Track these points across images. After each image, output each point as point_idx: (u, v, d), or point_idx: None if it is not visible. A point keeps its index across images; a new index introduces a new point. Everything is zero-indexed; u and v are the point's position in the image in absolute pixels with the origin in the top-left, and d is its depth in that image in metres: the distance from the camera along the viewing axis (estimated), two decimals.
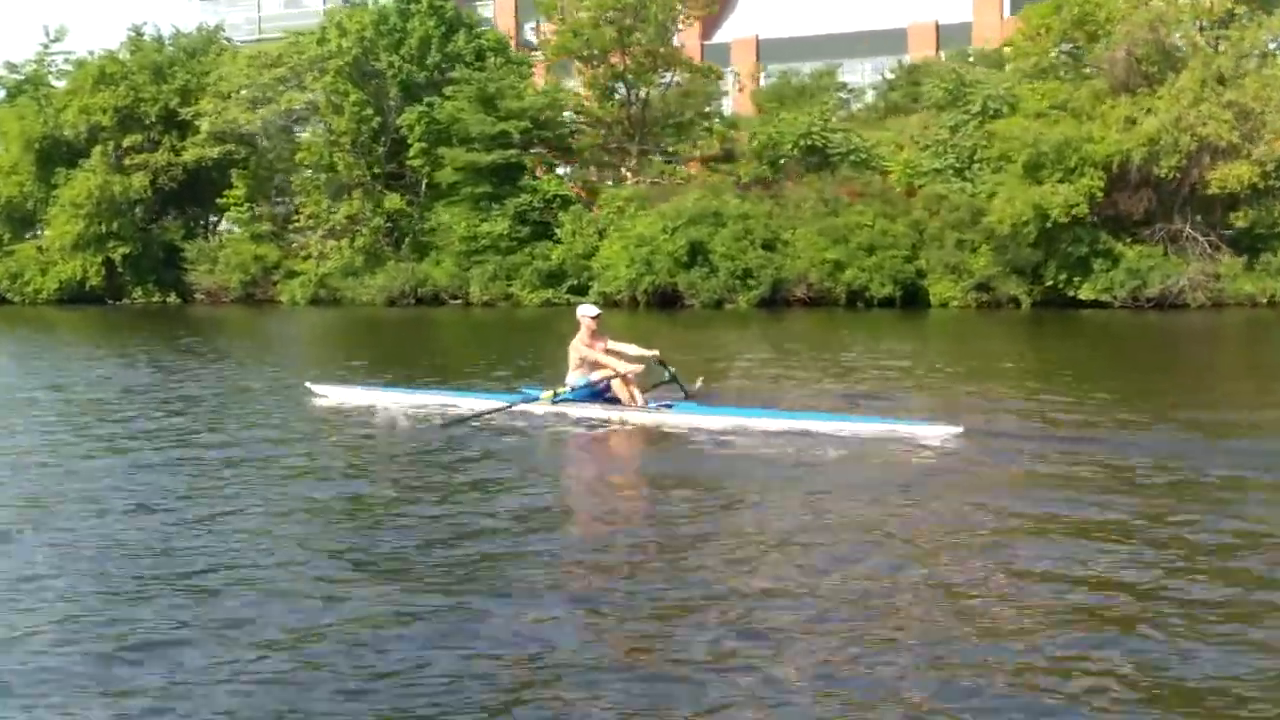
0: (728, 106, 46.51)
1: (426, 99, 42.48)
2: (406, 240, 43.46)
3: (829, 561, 7.04)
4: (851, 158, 37.61)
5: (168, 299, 47.85)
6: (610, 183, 43.17)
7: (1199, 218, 33.64)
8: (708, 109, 43.73)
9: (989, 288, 34.22)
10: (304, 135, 46.97)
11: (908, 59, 45.63)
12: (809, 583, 6.61)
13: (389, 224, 43.81)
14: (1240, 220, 33.01)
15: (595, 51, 42.13)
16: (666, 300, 36.99)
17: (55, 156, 48.72)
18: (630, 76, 42.45)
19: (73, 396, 15.97)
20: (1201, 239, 33.28)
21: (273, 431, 12.29)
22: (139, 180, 47.25)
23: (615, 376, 12.75)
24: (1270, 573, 6.70)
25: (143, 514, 8.38)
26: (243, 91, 45.13)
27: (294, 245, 45.65)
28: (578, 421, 12.51)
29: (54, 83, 52.48)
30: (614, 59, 42.10)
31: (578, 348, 13.06)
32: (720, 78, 44.77)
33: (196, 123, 46.33)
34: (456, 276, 41.19)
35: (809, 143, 37.80)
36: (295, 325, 35.12)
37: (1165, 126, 31.84)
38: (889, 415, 12.15)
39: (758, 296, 36.06)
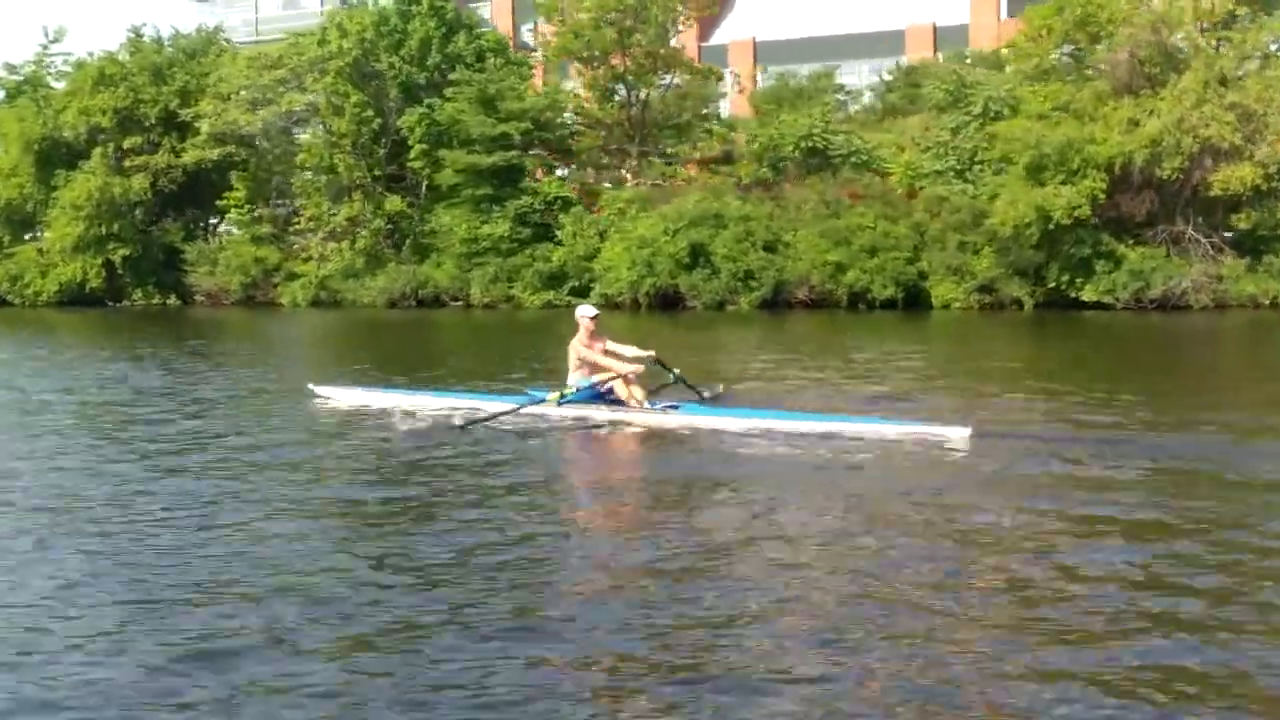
0: (724, 109, 46.52)
1: (427, 100, 42.47)
2: (407, 242, 43.44)
3: (846, 563, 7.07)
4: (853, 159, 37.63)
5: (168, 301, 47.81)
6: (608, 185, 43.15)
7: (1201, 219, 33.65)
8: (705, 111, 43.77)
9: (991, 289, 34.24)
10: (304, 137, 46.94)
11: (905, 61, 45.68)
12: (830, 586, 6.63)
13: (390, 226, 43.80)
14: (1242, 222, 33.04)
15: (596, 52, 42.13)
16: (668, 302, 36.99)
17: (55, 158, 48.69)
18: (631, 78, 42.46)
19: (88, 399, 15.94)
20: (1204, 240, 33.31)
21: (290, 435, 12.29)
22: (139, 182, 47.21)
23: (617, 377, 12.78)
24: None
25: (177, 520, 8.35)
26: (242, 93, 45.08)
27: (294, 247, 45.61)
28: (586, 423, 12.55)
29: (53, 84, 52.46)
30: (614, 60, 42.11)
31: (577, 348, 13.10)
32: (721, 79, 44.78)
33: (196, 124, 46.29)
34: (457, 278, 41.17)
35: (810, 144, 37.81)
36: (297, 327, 35.08)
37: (1168, 128, 31.86)
38: (899, 416, 12.15)
39: (759, 298, 36.06)
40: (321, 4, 56.48)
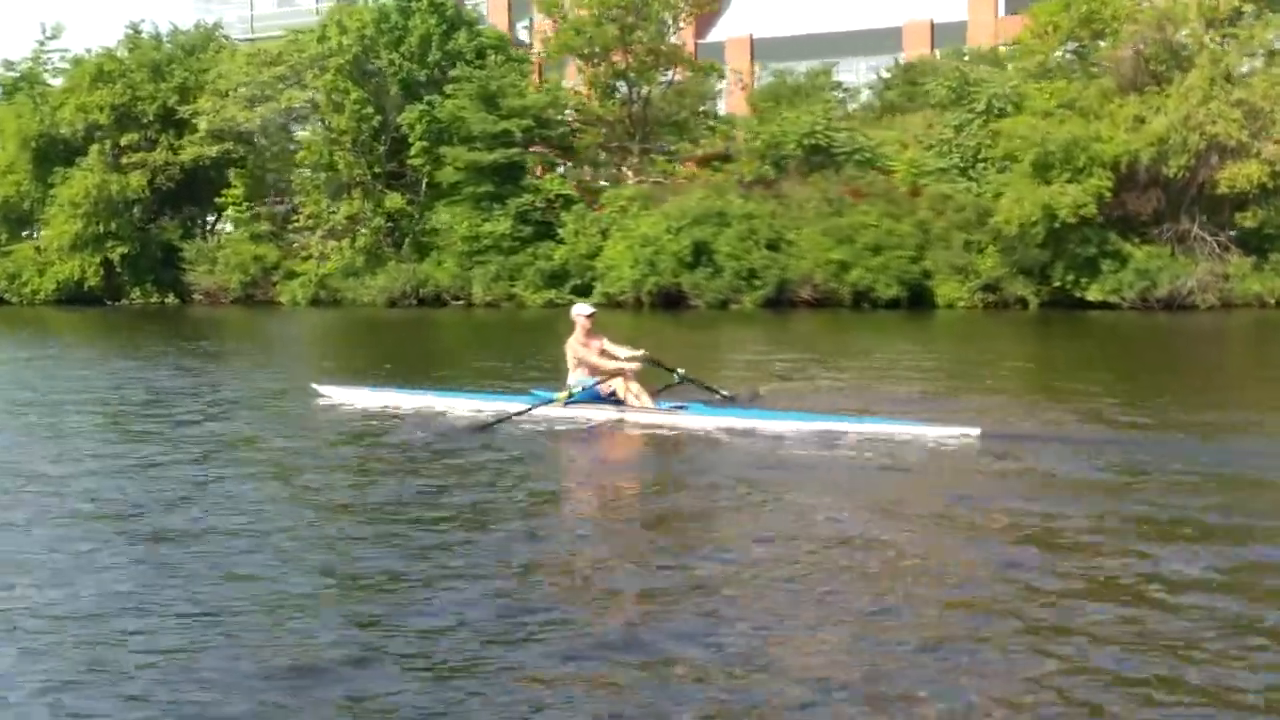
0: (721, 107, 46.33)
1: (427, 97, 42.28)
2: (407, 240, 43.26)
3: (851, 564, 7.00)
4: (856, 157, 37.46)
5: (166, 299, 47.65)
6: (604, 182, 42.99)
7: (1207, 217, 33.54)
8: (702, 108, 43.62)
9: (996, 288, 34.10)
10: (303, 134, 46.75)
11: (902, 58, 45.57)
12: (830, 586, 6.57)
13: (390, 224, 43.63)
14: (1249, 220, 32.93)
15: (597, 49, 41.96)
16: (671, 301, 36.85)
17: (52, 155, 48.54)
18: (632, 75, 42.28)
19: (101, 399, 15.75)
20: (1210, 239, 33.20)
21: (304, 437, 12.16)
22: (137, 179, 47.03)
23: (617, 374, 12.67)
24: None
25: (220, 524, 8.14)
26: (241, 89, 44.89)
27: (294, 245, 45.43)
28: (595, 423, 12.42)
29: (50, 80, 52.28)
30: (615, 57, 41.94)
31: (574, 347, 12.97)
32: (723, 76, 44.61)
33: (195, 121, 46.19)
34: (459, 277, 41.02)
35: (812, 142, 37.65)
36: (298, 326, 34.91)
37: (1174, 126, 31.77)
38: (907, 416, 12.00)
39: (763, 297, 35.92)
40: (317, 1, 56.22)
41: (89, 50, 49.96)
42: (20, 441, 12.10)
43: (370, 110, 42.87)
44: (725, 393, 13.30)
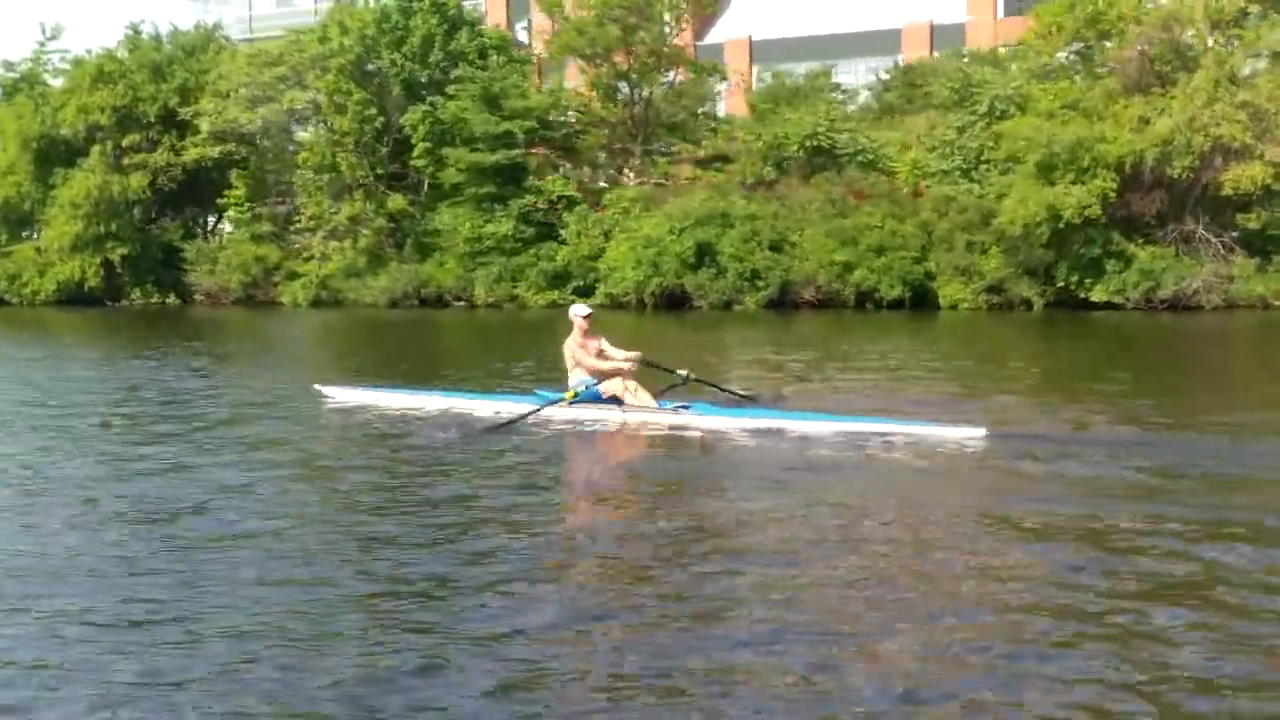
0: (719, 109, 46.28)
1: (429, 98, 42.21)
2: (409, 241, 43.19)
3: (855, 564, 6.99)
4: (858, 158, 37.44)
5: (167, 300, 47.56)
6: (604, 183, 42.93)
7: (1211, 219, 33.52)
8: (701, 110, 43.58)
9: (1000, 289, 34.07)
10: (304, 135, 46.67)
11: (901, 60, 45.54)
12: (834, 585, 6.58)
13: (391, 225, 43.55)
14: (1253, 221, 32.89)
15: (599, 50, 41.90)
16: (674, 302, 36.81)
17: (53, 156, 48.43)
18: (634, 76, 42.24)
19: (112, 400, 15.67)
20: (1214, 240, 33.19)
21: (315, 439, 12.10)
22: (138, 180, 46.93)
23: (616, 373, 12.67)
24: None
25: (253, 532, 8.07)
26: (242, 90, 44.78)
27: (295, 246, 45.34)
28: (598, 423, 12.40)
29: (51, 81, 52.15)
30: (617, 58, 41.89)
31: (572, 348, 12.95)
32: (725, 78, 44.58)
33: (196, 122, 46.08)
34: (461, 278, 40.96)
35: (815, 143, 37.62)
36: (299, 327, 34.81)
37: (1178, 127, 31.74)
38: (911, 417, 11.97)
39: (766, 298, 35.89)
40: (315, 1, 56.12)
41: (89, 51, 49.95)
42: (37, 444, 11.97)
43: (372, 111, 42.80)
44: (744, 392, 13.28)
